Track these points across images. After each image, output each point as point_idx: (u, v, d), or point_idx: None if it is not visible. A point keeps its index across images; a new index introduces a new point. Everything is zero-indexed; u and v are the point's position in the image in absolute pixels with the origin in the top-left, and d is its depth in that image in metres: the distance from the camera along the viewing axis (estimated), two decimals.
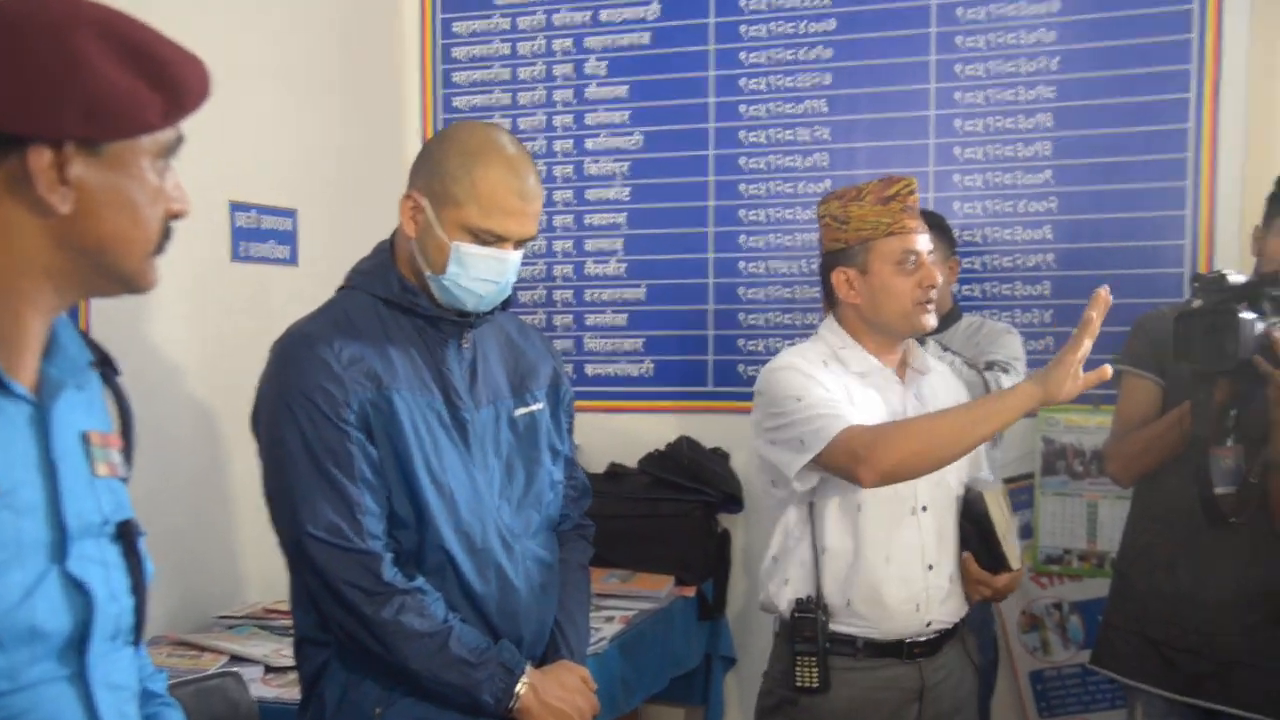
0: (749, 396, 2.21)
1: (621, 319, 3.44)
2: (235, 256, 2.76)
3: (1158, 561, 2.33)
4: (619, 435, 3.37)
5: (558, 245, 3.49)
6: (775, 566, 2.13)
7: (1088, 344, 1.87)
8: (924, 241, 2.08)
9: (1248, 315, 2.05)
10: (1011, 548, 2.11)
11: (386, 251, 1.82)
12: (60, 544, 0.98)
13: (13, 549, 0.94)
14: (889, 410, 2.07)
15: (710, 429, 3.31)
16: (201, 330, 2.65)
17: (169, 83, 0.99)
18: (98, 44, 0.95)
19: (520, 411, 1.87)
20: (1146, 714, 2.36)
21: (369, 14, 3.39)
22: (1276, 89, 2.90)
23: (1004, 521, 2.11)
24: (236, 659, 2.30)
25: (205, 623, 2.58)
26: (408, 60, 3.57)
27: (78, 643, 0.99)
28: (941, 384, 2.21)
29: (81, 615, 0.99)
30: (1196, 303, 2.15)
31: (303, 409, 1.67)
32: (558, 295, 3.49)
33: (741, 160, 3.32)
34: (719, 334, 3.36)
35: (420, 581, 1.71)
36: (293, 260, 2.94)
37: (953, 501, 2.13)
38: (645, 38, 3.39)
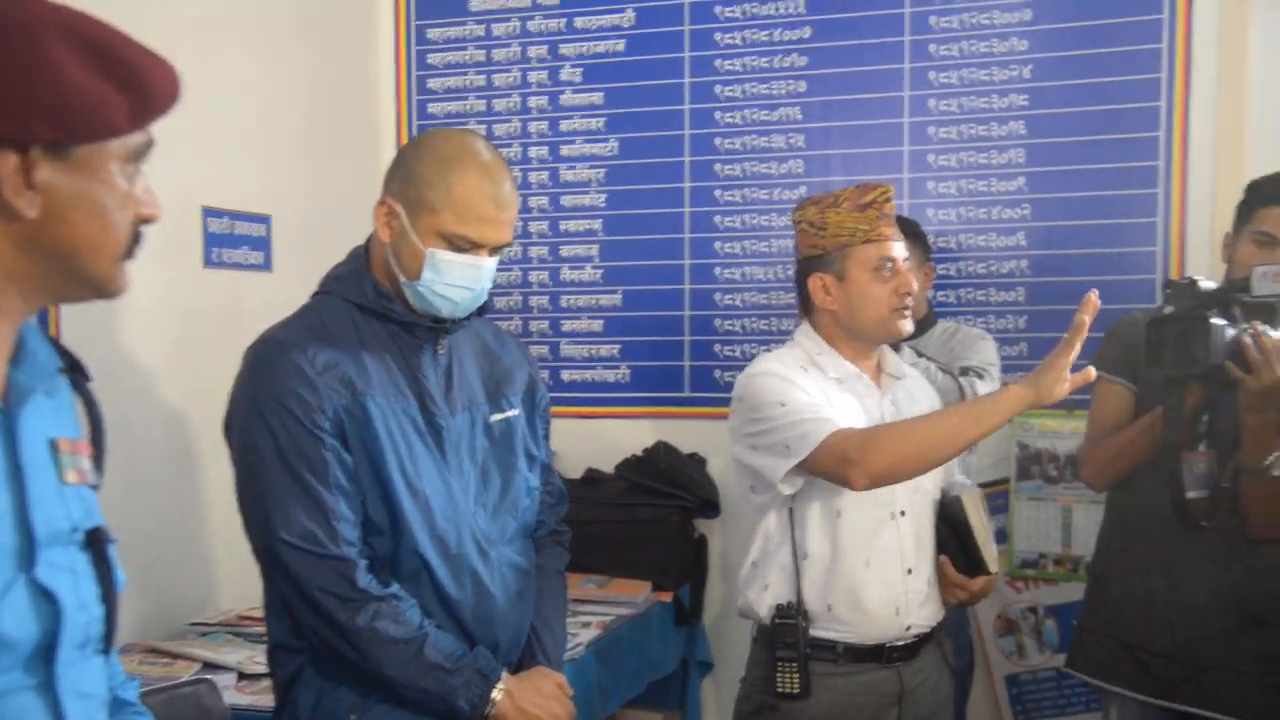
0: (726, 402, 2.20)
1: (598, 325, 3.44)
2: (208, 262, 2.75)
3: (1132, 566, 2.34)
4: (595, 441, 3.37)
5: (534, 251, 3.48)
6: (754, 572, 2.13)
7: (1078, 347, 1.89)
8: (900, 249, 2.09)
9: (1218, 321, 2.07)
10: (989, 551, 2.12)
11: (361, 257, 1.81)
12: (28, 552, 0.97)
13: None
14: (866, 415, 2.08)
15: (687, 434, 3.32)
16: (174, 336, 2.63)
17: (137, 85, 0.98)
18: (65, 46, 0.94)
19: (496, 417, 1.86)
20: (1120, 718, 2.37)
21: (344, 20, 3.38)
22: (1246, 97, 2.93)
23: (982, 525, 2.12)
24: (209, 666, 2.28)
25: (178, 630, 2.55)
26: (382, 67, 3.56)
27: (45, 651, 0.98)
28: (916, 389, 2.23)
29: (49, 624, 0.98)
30: (1168, 309, 2.17)
31: (276, 415, 1.66)
32: (534, 301, 3.49)
33: (717, 166, 3.33)
34: (695, 340, 3.36)
35: (395, 588, 1.70)
36: (267, 266, 2.93)
37: (930, 506, 2.14)
38: (620, 45, 3.39)
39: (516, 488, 1.87)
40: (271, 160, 2.98)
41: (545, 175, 3.47)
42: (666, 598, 3.02)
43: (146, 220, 1.04)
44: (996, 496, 3.08)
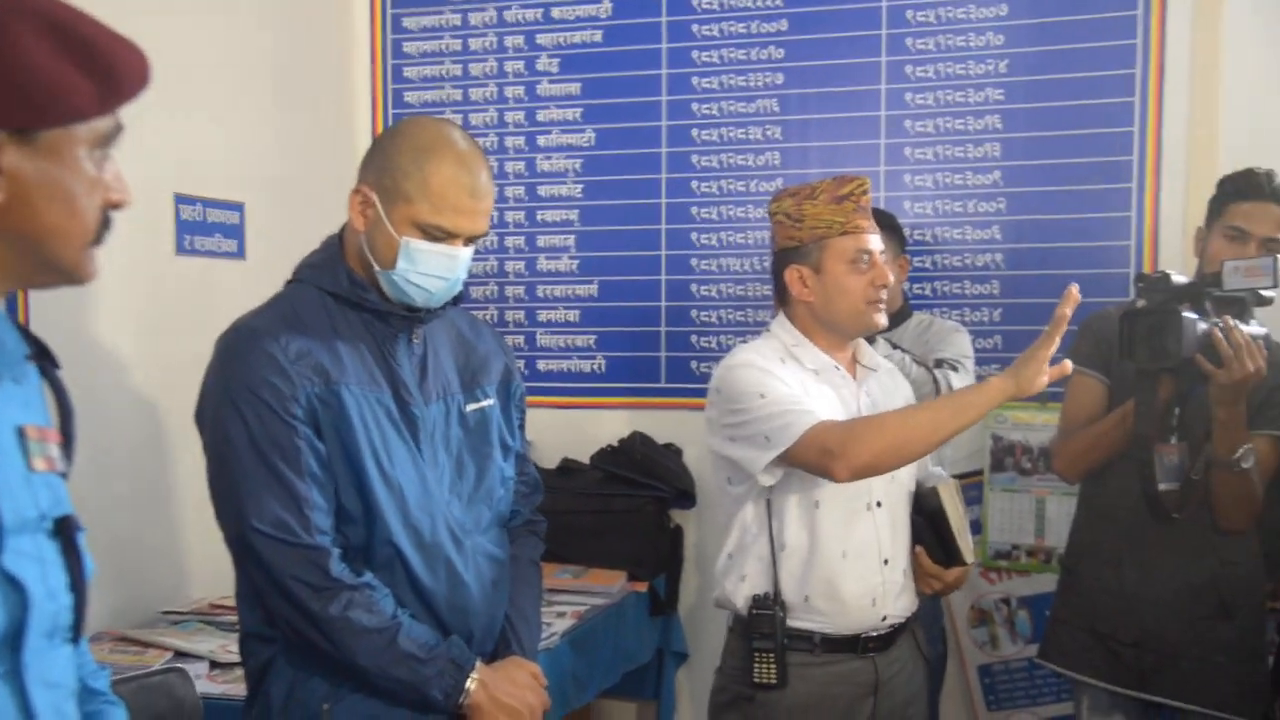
0: (702, 393, 2.20)
1: (574, 315, 3.43)
2: (180, 250, 2.72)
3: (1104, 557, 2.36)
4: (571, 431, 3.36)
5: (510, 241, 3.47)
6: (731, 563, 2.13)
7: (1058, 340, 1.90)
8: (876, 241, 2.10)
9: (1190, 315, 2.09)
10: (965, 542, 2.13)
11: (335, 246, 1.80)
12: None
13: None
14: (843, 407, 2.08)
15: (663, 425, 3.32)
16: (145, 324, 2.61)
17: (104, 69, 0.97)
18: (30, 30, 0.93)
19: (471, 407, 1.86)
20: (1092, 707, 2.39)
21: (319, 8, 3.35)
22: (1218, 94, 2.95)
23: (958, 516, 2.13)
24: (181, 655, 2.26)
25: (149, 618, 2.54)
26: (358, 54, 3.54)
27: (12, 639, 0.97)
28: (891, 381, 2.23)
29: (16, 612, 0.97)
30: (1141, 303, 2.19)
31: (249, 403, 1.64)
32: (510, 291, 3.48)
33: (694, 158, 3.33)
34: (671, 330, 3.36)
35: (368, 577, 1.69)
36: (239, 254, 2.90)
37: (905, 497, 2.15)
38: (597, 35, 3.38)
39: (491, 477, 1.86)
40: (245, 147, 2.96)
41: (522, 165, 3.46)
42: (642, 588, 3.02)
43: (115, 206, 1.03)
44: (970, 488, 3.10)
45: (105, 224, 1.02)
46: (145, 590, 2.59)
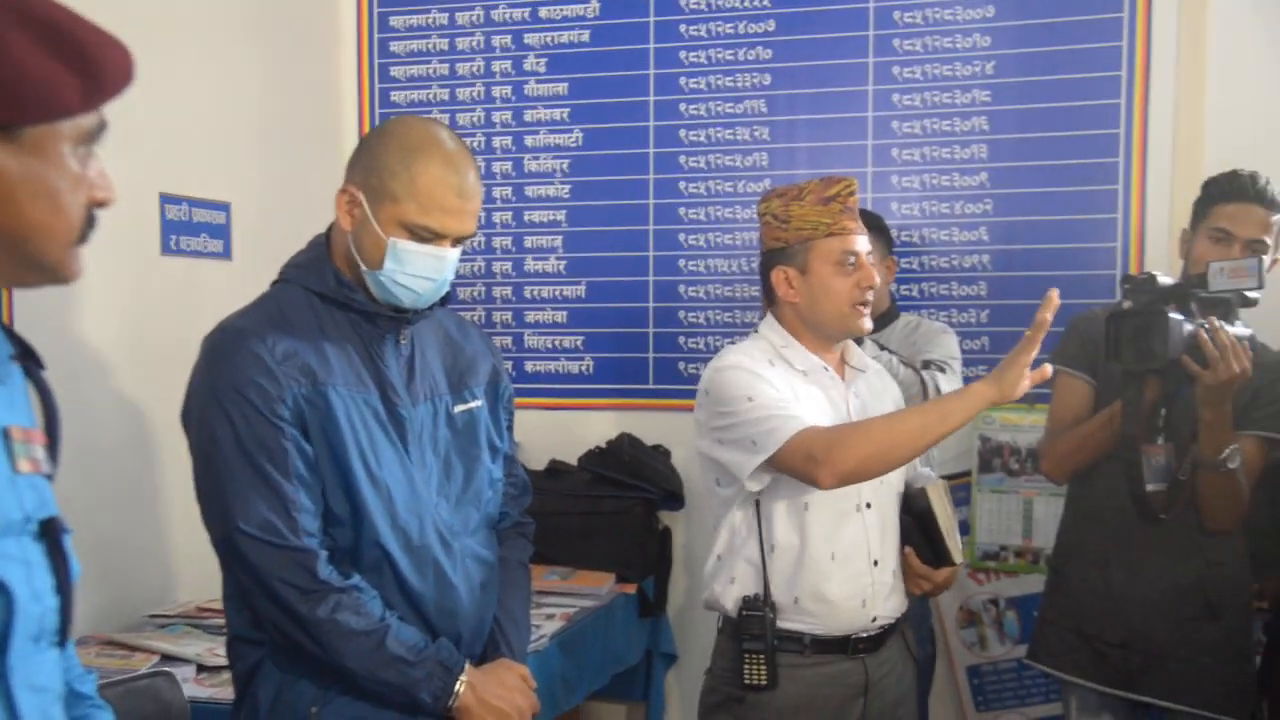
0: (690, 394, 2.20)
1: (561, 316, 3.43)
2: (166, 249, 2.71)
3: (1091, 558, 2.36)
4: (559, 432, 3.36)
5: (497, 242, 3.47)
6: (720, 565, 2.13)
7: (1039, 345, 1.90)
8: (863, 243, 2.09)
9: (1176, 316, 2.10)
10: (954, 542, 2.13)
11: (322, 246, 1.79)
12: None
13: None
14: (832, 408, 2.08)
15: (651, 426, 3.31)
16: (130, 324, 2.59)
17: (88, 65, 0.96)
18: (13, 25, 0.92)
19: (459, 408, 1.85)
20: (1080, 708, 2.40)
21: (306, 7, 3.34)
22: (1204, 96, 2.96)
23: (947, 516, 2.13)
24: (168, 658, 2.25)
25: (136, 622, 2.52)
26: (344, 54, 3.53)
27: None
28: (879, 382, 2.23)
29: (1, 615, 0.96)
30: (1127, 304, 2.19)
31: (235, 404, 1.64)
32: (497, 292, 3.48)
33: (681, 159, 3.33)
34: (659, 331, 3.36)
35: (356, 579, 1.68)
36: (226, 254, 2.89)
37: (894, 498, 2.15)
38: (585, 35, 3.38)
39: (479, 479, 1.85)
40: (231, 146, 2.94)
41: (509, 165, 3.45)
42: (630, 589, 3.02)
43: (100, 204, 1.02)
44: (958, 489, 3.10)
45: (90, 222, 1.01)
46: (131, 593, 2.57)
